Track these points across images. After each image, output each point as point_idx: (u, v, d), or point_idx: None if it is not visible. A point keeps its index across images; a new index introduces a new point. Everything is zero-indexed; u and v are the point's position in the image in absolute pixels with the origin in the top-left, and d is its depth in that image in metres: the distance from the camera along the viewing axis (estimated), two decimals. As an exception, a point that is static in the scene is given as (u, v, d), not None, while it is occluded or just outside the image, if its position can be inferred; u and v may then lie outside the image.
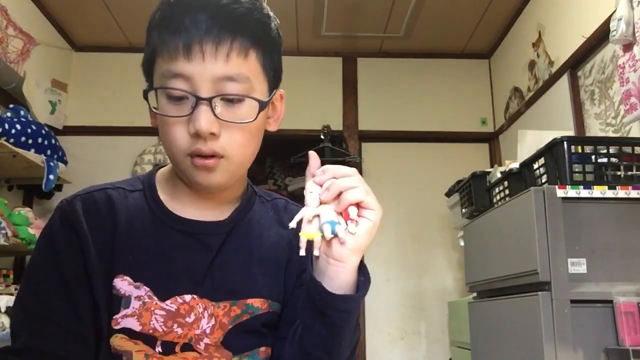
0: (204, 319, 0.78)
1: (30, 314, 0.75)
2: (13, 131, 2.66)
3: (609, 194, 1.64)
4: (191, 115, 0.72)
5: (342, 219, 0.66)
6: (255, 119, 0.75)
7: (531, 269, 1.63)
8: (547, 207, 1.62)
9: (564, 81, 2.73)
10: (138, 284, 0.77)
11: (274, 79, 0.80)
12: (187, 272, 0.79)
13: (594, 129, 2.47)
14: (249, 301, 0.81)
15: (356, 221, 0.66)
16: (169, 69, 0.73)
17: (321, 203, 0.67)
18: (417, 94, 3.83)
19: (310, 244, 0.66)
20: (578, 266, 1.59)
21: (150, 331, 0.75)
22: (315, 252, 0.67)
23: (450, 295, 3.48)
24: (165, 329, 0.76)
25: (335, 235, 0.66)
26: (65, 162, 3.10)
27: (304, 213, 0.67)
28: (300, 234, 0.66)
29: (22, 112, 2.86)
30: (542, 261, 1.58)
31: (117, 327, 0.75)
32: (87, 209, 0.79)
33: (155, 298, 0.77)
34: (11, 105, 2.87)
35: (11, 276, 2.81)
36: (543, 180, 1.79)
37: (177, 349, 0.76)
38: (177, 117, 0.74)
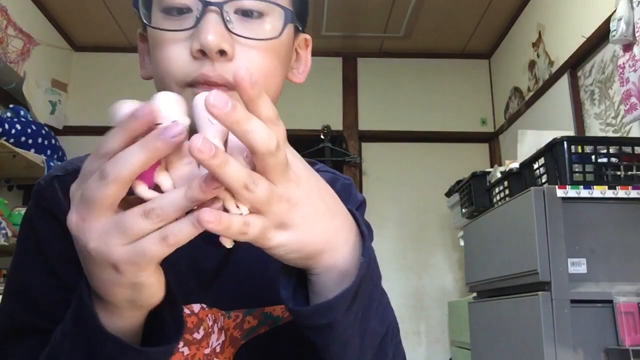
0: (213, 334, 0.60)
1: (20, 303, 0.60)
2: (13, 131, 2.66)
3: (609, 194, 1.64)
4: (195, 28, 0.54)
5: None
6: (280, 34, 0.57)
7: (531, 269, 1.63)
8: (547, 207, 1.62)
9: (564, 81, 2.73)
10: None
11: (300, 11, 0.62)
12: (192, 274, 0.62)
13: (594, 129, 2.47)
14: (267, 309, 0.63)
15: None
16: None
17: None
18: (417, 94, 3.83)
19: None
20: (578, 266, 1.59)
21: None
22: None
23: (450, 295, 3.48)
24: None
25: None
26: (65, 162, 3.10)
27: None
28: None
29: (22, 112, 2.86)
30: (542, 261, 1.58)
31: None
32: (67, 191, 0.61)
33: None
34: (11, 105, 2.87)
35: (11, 276, 2.82)
36: (543, 180, 1.79)
37: None
38: (175, 32, 0.55)
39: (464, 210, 2.65)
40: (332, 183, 0.64)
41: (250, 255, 0.60)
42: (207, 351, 0.60)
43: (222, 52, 0.53)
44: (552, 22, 2.90)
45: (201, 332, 0.60)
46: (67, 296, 0.53)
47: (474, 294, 2.32)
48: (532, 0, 3.15)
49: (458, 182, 2.84)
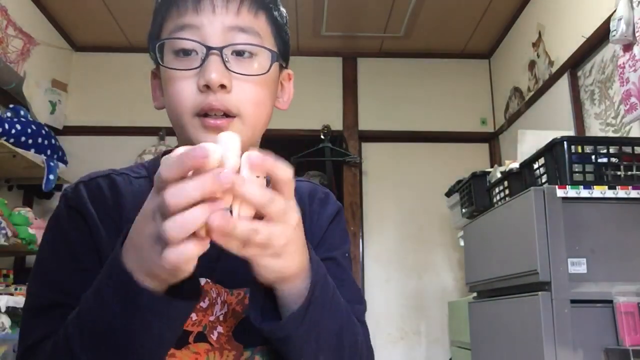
0: (217, 305, 0.72)
1: (45, 286, 0.70)
2: (13, 131, 2.66)
3: (609, 194, 1.64)
4: (200, 67, 0.68)
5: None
6: (268, 70, 0.71)
7: (531, 269, 1.63)
8: (547, 207, 1.62)
9: (564, 81, 2.73)
10: None
11: (283, 52, 0.77)
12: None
13: (594, 129, 2.47)
14: None
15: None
16: (176, 24, 0.69)
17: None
18: (417, 94, 3.83)
19: None
20: (578, 266, 1.59)
21: None
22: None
23: (450, 295, 3.48)
24: None
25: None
26: (65, 162, 3.10)
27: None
28: None
29: (22, 112, 2.86)
30: (542, 261, 1.58)
31: None
32: (92, 195, 0.74)
33: None
34: (11, 105, 2.87)
35: (11, 276, 2.81)
36: (543, 180, 1.79)
37: (191, 339, 0.70)
38: (184, 71, 0.68)
39: (464, 210, 2.65)
40: (313, 192, 0.85)
41: None
42: (211, 318, 0.71)
43: (223, 86, 0.67)
44: (552, 22, 2.90)
45: (207, 302, 0.71)
46: (87, 278, 0.63)
47: (474, 294, 2.32)
48: (532, 0, 3.15)
49: (458, 182, 2.84)
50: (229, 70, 0.68)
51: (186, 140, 0.71)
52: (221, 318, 0.72)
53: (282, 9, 0.77)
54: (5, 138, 2.60)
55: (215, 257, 0.72)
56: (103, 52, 3.76)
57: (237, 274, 0.72)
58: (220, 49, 0.68)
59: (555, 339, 1.53)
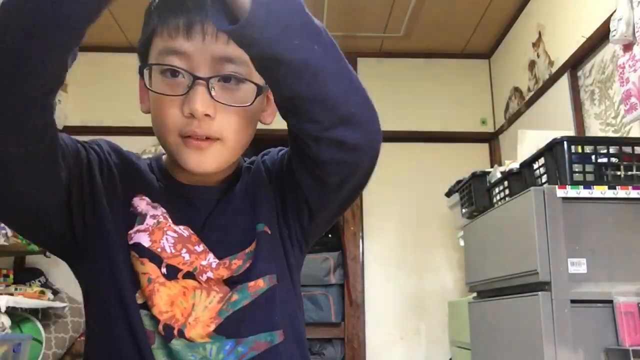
0: (210, 253, 0.77)
1: None
2: (13, 131, 2.66)
3: (609, 194, 1.64)
4: (186, 95, 0.70)
5: None
6: (252, 103, 0.73)
7: (531, 269, 1.63)
8: (547, 207, 1.62)
9: (564, 81, 2.73)
10: (155, 204, 0.77)
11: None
12: (190, 210, 0.80)
13: (594, 129, 2.47)
14: (247, 250, 0.79)
15: None
16: (166, 46, 0.71)
17: None
18: (417, 94, 3.83)
19: None
20: (578, 266, 1.59)
21: (159, 250, 0.74)
22: None
23: (450, 295, 3.48)
24: (173, 251, 0.75)
25: None
26: (65, 162, 3.09)
27: None
28: None
29: (22, 112, 2.86)
30: (542, 261, 1.58)
31: (131, 242, 0.74)
32: (109, 144, 0.81)
33: (170, 220, 0.76)
34: (11, 105, 2.86)
35: (11, 276, 2.81)
36: (543, 180, 1.79)
37: (180, 275, 0.75)
38: (171, 96, 0.71)
39: (464, 210, 2.65)
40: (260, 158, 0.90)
41: (230, 208, 0.81)
42: (204, 263, 0.75)
43: (207, 115, 0.70)
44: (552, 22, 2.90)
45: (201, 247, 0.76)
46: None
47: (474, 294, 2.32)
48: (532, 0, 3.15)
49: (458, 182, 2.84)
50: (214, 99, 0.70)
51: (171, 153, 0.76)
52: (214, 265, 0.76)
53: None
54: (5, 138, 2.60)
55: (203, 216, 0.79)
56: (103, 52, 3.75)
57: (222, 237, 0.78)
58: (207, 79, 0.70)
59: (555, 339, 1.53)
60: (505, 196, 2.13)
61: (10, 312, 2.32)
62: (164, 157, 0.85)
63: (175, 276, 0.74)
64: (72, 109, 3.63)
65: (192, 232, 0.77)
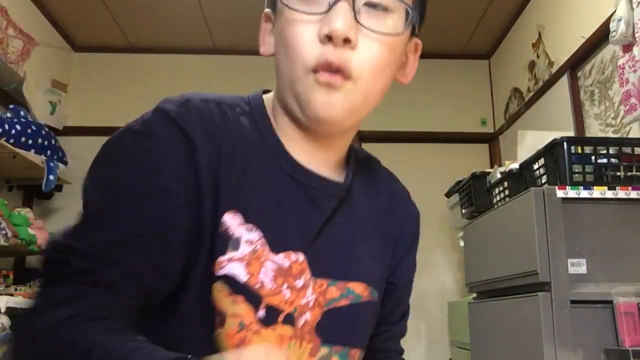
0: (309, 287, 0.64)
1: (105, 231, 0.56)
2: (13, 131, 2.66)
3: (609, 194, 1.64)
4: (325, 15, 0.58)
5: None
6: (402, 32, 0.62)
7: (531, 269, 1.63)
8: (547, 207, 1.62)
9: (563, 82, 2.73)
10: (250, 225, 0.61)
11: (421, 16, 0.68)
12: (298, 227, 0.65)
13: (594, 129, 2.47)
14: (351, 285, 0.67)
15: None
16: None
17: None
18: (416, 94, 3.83)
19: None
20: (578, 266, 1.59)
21: (257, 285, 0.60)
22: None
23: (450, 295, 3.48)
24: (274, 287, 0.61)
25: None
26: (65, 163, 3.09)
27: None
28: None
29: (22, 113, 2.86)
30: (542, 262, 1.58)
31: (220, 273, 0.59)
32: (203, 117, 0.61)
33: (267, 247, 0.62)
34: (11, 106, 2.87)
35: (11, 277, 2.81)
36: (543, 181, 1.79)
37: (280, 319, 0.62)
38: (307, 15, 0.59)
39: (464, 210, 2.65)
40: (383, 175, 0.84)
41: (342, 231, 0.69)
42: (302, 301, 0.64)
43: (347, 40, 0.58)
44: (552, 22, 2.90)
45: (302, 281, 0.63)
46: (167, 240, 0.56)
47: (474, 294, 2.32)
48: (532, 1, 3.15)
49: (458, 182, 2.84)
50: (358, 23, 0.59)
51: (294, 94, 0.62)
52: (311, 304, 0.64)
53: None
54: (5, 138, 2.60)
55: (311, 234, 0.66)
56: (103, 52, 3.75)
57: (326, 259, 0.66)
58: None
59: (555, 339, 1.53)
60: (505, 197, 2.13)
61: (10, 312, 2.32)
62: (270, 116, 0.68)
63: (275, 320, 0.62)
64: (72, 109, 3.62)
65: (292, 259, 0.63)
